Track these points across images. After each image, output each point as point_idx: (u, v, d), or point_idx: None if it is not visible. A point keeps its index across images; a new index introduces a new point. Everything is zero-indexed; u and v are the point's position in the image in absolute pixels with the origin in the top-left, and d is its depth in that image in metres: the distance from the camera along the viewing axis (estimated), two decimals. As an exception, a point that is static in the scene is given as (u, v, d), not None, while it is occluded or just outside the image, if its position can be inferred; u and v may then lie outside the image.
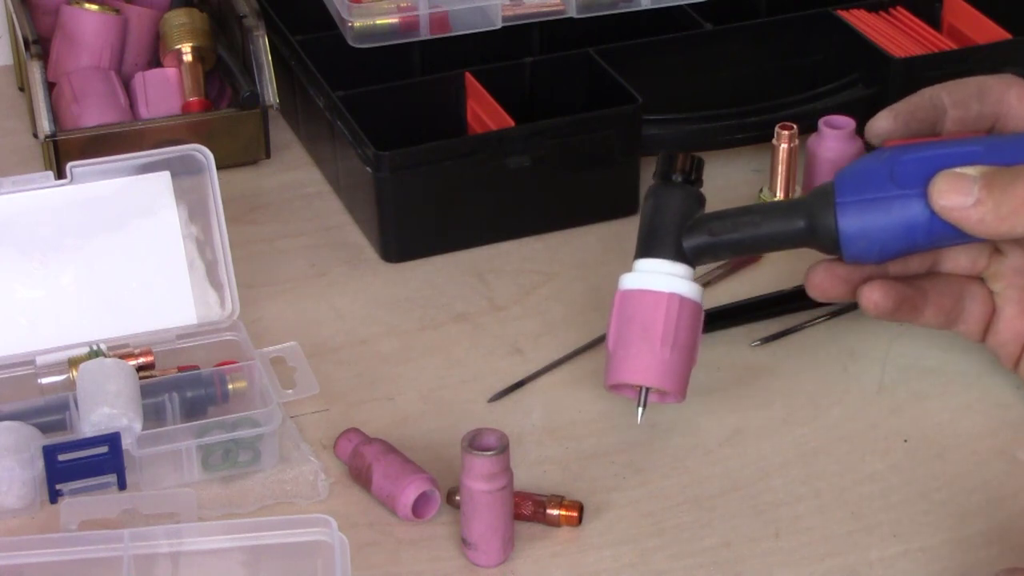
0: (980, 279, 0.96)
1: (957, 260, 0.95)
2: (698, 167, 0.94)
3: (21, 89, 1.31)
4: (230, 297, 1.01)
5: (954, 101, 0.96)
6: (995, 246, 0.94)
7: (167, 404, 0.95)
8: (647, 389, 0.92)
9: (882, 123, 0.96)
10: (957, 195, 0.87)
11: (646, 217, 0.94)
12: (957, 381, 1.00)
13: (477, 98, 1.17)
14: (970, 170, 0.88)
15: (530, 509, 0.90)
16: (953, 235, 0.89)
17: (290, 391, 0.97)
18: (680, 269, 0.92)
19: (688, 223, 0.92)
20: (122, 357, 0.97)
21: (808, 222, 0.91)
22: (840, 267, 0.93)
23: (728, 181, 1.18)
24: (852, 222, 0.89)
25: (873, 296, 0.92)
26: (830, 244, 0.91)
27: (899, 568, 0.88)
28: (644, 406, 0.92)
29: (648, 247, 0.93)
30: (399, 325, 1.06)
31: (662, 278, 0.92)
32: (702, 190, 0.94)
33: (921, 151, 0.90)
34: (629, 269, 0.94)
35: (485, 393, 1.00)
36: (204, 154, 1.01)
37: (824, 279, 0.94)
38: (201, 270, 1.02)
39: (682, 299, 0.91)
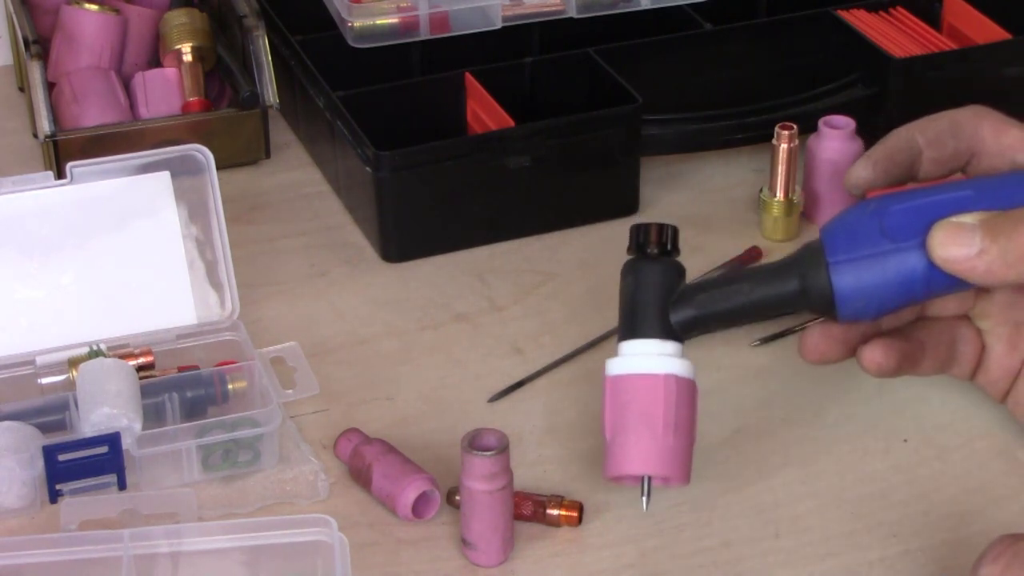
0: (967, 318, 0.94)
1: (945, 304, 0.94)
2: (673, 236, 0.90)
3: (21, 89, 1.31)
4: (230, 297, 1.01)
5: (928, 140, 0.94)
6: None
7: (167, 404, 0.95)
8: (650, 478, 0.87)
9: (861, 172, 0.94)
10: (959, 247, 0.85)
11: (627, 296, 0.90)
12: (957, 381, 1.00)
13: (477, 98, 1.17)
14: (967, 218, 0.86)
15: (530, 509, 0.90)
16: (952, 284, 0.87)
17: (290, 391, 0.97)
18: (670, 347, 0.88)
19: (673, 297, 0.89)
20: (122, 357, 0.97)
21: (800, 284, 0.88)
22: (835, 328, 0.91)
23: (728, 181, 1.18)
24: (847, 281, 0.86)
25: (875, 357, 0.90)
26: (824, 305, 0.88)
27: (899, 568, 0.88)
28: (649, 496, 0.88)
29: (633, 328, 0.89)
30: (399, 325, 1.06)
31: (655, 360, 0.88)
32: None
33: (909, 200, 0.87)
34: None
35: (485, 393, 1.00)
36: (204, 154, 1.01)
37: (820, 342, 0.91)
38: (201, 270, 1.02)
39: (678, 379, 0.87)
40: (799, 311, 0.90)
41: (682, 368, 0.88)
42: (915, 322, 0.94)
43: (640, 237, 0.90)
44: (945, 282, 0.87)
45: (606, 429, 0.88)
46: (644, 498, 0.87)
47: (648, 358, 0.88)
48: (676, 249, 0.90)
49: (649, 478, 0.87)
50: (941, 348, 0.94)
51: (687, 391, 0.88)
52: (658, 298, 0.89)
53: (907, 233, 0.86)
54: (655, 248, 0.90)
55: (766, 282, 0.89)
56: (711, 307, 0.88)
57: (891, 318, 0.93)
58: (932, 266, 0.86)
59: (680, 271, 0.90)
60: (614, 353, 0.89)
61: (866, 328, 0.92)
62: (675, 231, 0.90)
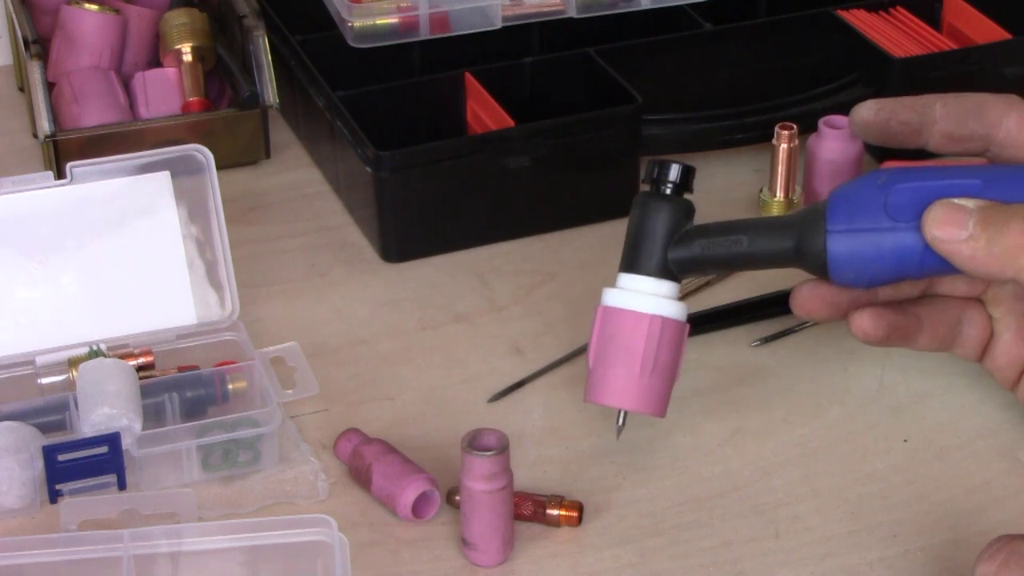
0: (978, 300, 0.94)
1: (954, 284, 0.94)
2: (686, 175, 0.92)
3: (21, 89, 1.31)
4: (230, 297, 1.01)
5: (948, 113, 0.93)
6: None
7: (167, 404, 0.95)
8: (625, 412, 0.91)
9: (863, 112, 0.94)
10: (951, 227, 0.85)
11: (632, 228, 0.92)
12: (957, 381, 1.00)
13: (477, 98, 1.17)
14: (968, 202, 0.85)
15: (530, 509, 0.90)
16: (944, 268, 0.87)
17: (290, 391, 0.97)
18: (664, 288, 0.90)
19: (675, 237, 0.91)
20: (122, 357, 0.97)
21: (797, 245, 0.89)
22: (826, 289, 0.92)
23: (728, 181, 1.18)
24: (842, 251, 0.87)
25: (863, 324, 0.90)
26: (818, 268, 0.89)
27: (899, 568, 0.88)
28: (622, 425, 0.92)
29: (633, 261, 0.91)
30: (399, 325, 1.06)
31: (646, 299, 0.90)
32: (693, 197, 0.92)
33: (917, 180, 0.87)
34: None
35: (485, 393, 1.00)
36: (204, 154, 1.01)
37: (809, 299, 0.92)
38: (201, 270, 1.02)
39: (665, 321, 0.90)
40: (793, 267, 0.91)
41: (672, 310, 0.90)
42: (919, 298, 0.94)
43: (655, 173, 0.92)
44: (939, 264, 0.87)
45: (590, 356, 0.91)
46: (617, 426, 0.92)
47: (640, 296, 0.91)
48: (689, 189, 0.92)
49: (624, 412, 0.91)
50: (942, 327, 0.93)
51: (673, 333, 0.90)
52: (661, 236, 0.91)
53: (908, 214, 0.87)
54: (668, 186, 0.92)
55: (765, 237, 0.90)
56: (709, 252, 0.91)
57: (891, 291, 0.93)
58: (927, 248, 0.87)
59: (688, 212, 0.92)
60: (614, 284, 0.92)
61: (859, 294, 0.92)
62: (690, 171, 0.92)
